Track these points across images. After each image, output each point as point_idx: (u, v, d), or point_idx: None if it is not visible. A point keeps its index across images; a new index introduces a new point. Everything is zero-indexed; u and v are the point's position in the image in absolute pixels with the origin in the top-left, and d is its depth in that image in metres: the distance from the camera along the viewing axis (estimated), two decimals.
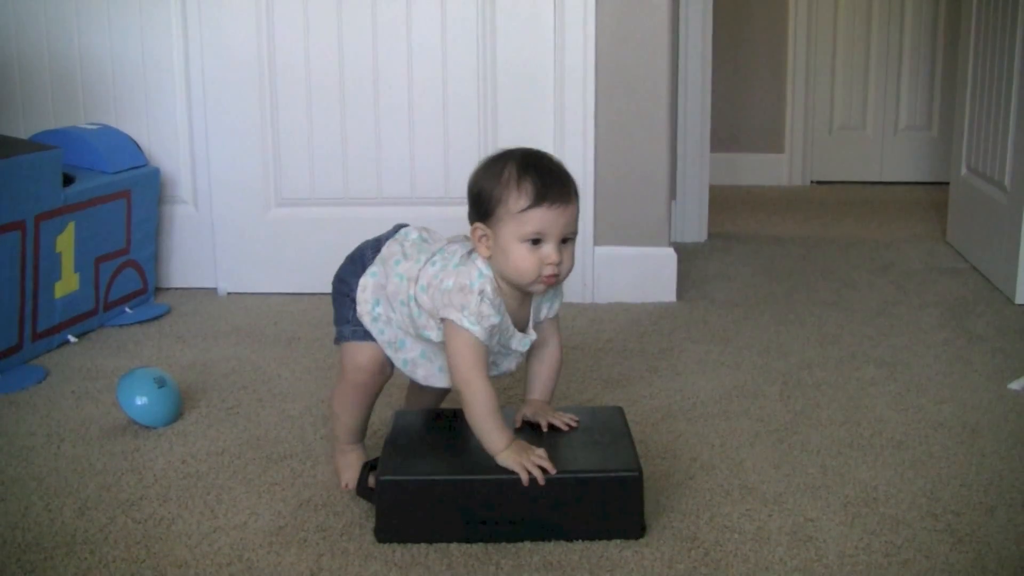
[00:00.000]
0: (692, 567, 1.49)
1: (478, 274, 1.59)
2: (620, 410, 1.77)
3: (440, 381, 1.72)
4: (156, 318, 2.77)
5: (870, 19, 5.11)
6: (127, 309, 2.78)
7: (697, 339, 2.57)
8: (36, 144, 2.50)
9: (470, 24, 2.89)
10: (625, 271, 2.90)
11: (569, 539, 1.55)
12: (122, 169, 2.77)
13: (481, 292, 1.57)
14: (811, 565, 1.49)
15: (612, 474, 1.56)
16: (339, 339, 1.73)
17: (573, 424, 1.69)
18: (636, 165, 2.87)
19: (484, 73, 2.90)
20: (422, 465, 1.60)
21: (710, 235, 3.80)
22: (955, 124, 3.56)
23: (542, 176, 1.56)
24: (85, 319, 2.61)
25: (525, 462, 1.55)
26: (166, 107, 3.03)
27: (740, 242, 3.74)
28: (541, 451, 1.57)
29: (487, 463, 1.61)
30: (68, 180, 2.55)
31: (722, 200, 4.45)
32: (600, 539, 1.55)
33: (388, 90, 2.93)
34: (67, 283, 2.53)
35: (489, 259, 1.60)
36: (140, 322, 2.73)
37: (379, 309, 1.68)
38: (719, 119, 4.31)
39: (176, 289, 3.08)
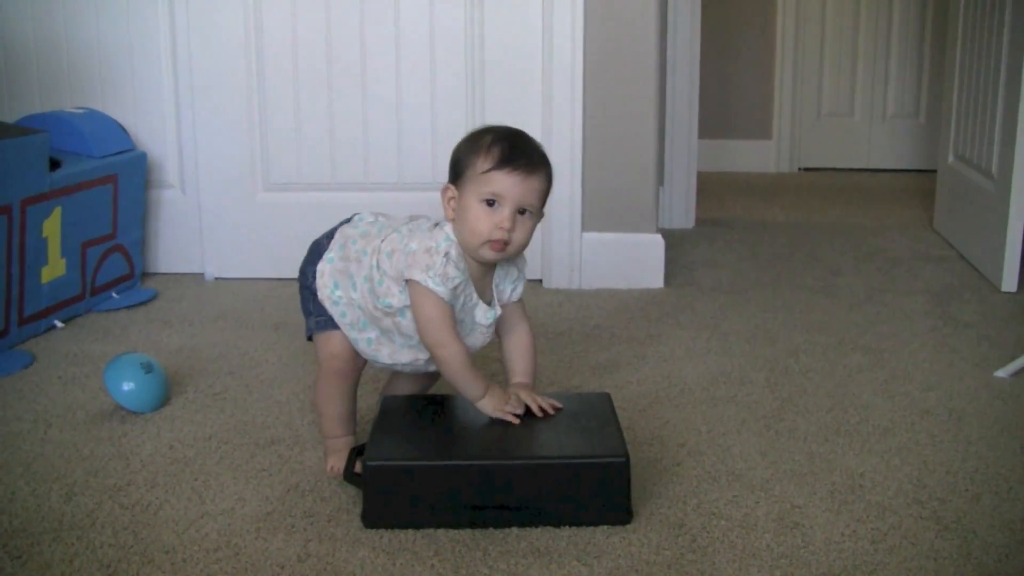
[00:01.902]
0: (679, 553, 1.49)
1: (444, 238, 1.65)
2: (607, 396, 1.77)
3: (405, 356, 1.74)
4: (143, 303, 2.76)
5: (858, 6, 5.12)
6: (114, 294, 2.78)
7: (684, 325, 2.57)
8: (22, 128, 2.49)
9: (458, 9, 2.88)
10: (612, 257, 2.90)
11: (556, 525, 1.55)
12: (109, 154, 2.76)
13: (446, 254, 1.62)
14: (797, 552, 1.50)
15: (599, 460, 1.56)
16: (308, 332, 1.78)
17: (551, 412, 1.69)
18: (624, 151, 2.87)
19: (472, 59, 2.90)
20: (409, 450, 1.60)
21: (698, 221, 3.80)
22: (942, 112, 3.57)
23: (512, 144, 1.64)
24: (72, 304, 2.60)
25: (502, 411, 1.65)
26: (153, 91, 3.02)
27: (728, 228, 3.74)
28: (518, 399, 1.68)
29: (475, 448, 1.61)
30: (54, 164, 2.54)
31: (710, 186, 4.46)
32: (587, 525, 1.56)
33: (375, 75, 2.92)
34: (53, 268, 2.52)
35: (453, 222, 1.66)
36: (127, 307, 2.72)
37: (338, 292, 1.72)
38: (707, 105, 4.31)
39: (163, 274, 3.07)
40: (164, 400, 2.06)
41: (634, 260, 2.90)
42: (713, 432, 1.92)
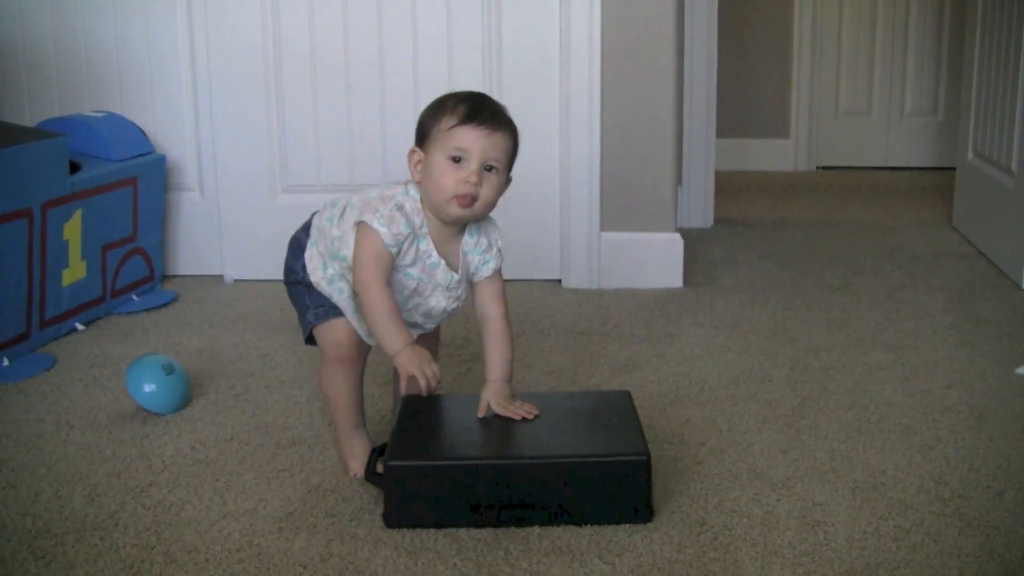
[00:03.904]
0: (701, 551, 1.49)
1: (403, 192, 1.68)
2: (628, 394, 1.77)
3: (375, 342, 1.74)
4: (163, 305, 2.77)
5: (875, 3, 5.10)
6: (134, 296, 2.79)
7: (704, 324, 2.57)
8: (42, 132, 2.50)
9: (475, 9, 2.88)
10: (631, 257, 2.89)
11: (578, 524, 1.55)
12: (128, 156, 2.77)
13: (400, 206, 1.65)
14: (820, 549, 1.50)
15: (620, 458, 1.56)
16: (307, 327, 1.77)
17: (528, 416, 1.67)
18: (642, 151, 2.86)
19: (489, 58, 2.90)
20: (430, 450, 1.60)
21: (716, 220, 3.79)
22: (961, 109, 3.55)
23: (475, 102, 1.66)
24: (92, 307, 2.61)
25: (418, 367, 1.62)
26: (172, 94, 3.03)
27: (746, 227, 3.74)
28: (434, 365, 1.64)
29: (496, 447, 1.62)
30: (74, 168, 2.56)
31: (728, 185, 4.45)
32: (609, 524, 1.56)
33: (393, 75, 2.92)
34: (74, 271, 2.53)
35: (419, 184, 1.68)
36: (147, 309, 2.73)
37: (330, 270, 1.74)
38: (725, 104, 4.30)
39: (183, 276, 3.08)
40: (185, 401, 2.06)
41: (653, 259, 2.90)
42: (734, 430, 1.92)
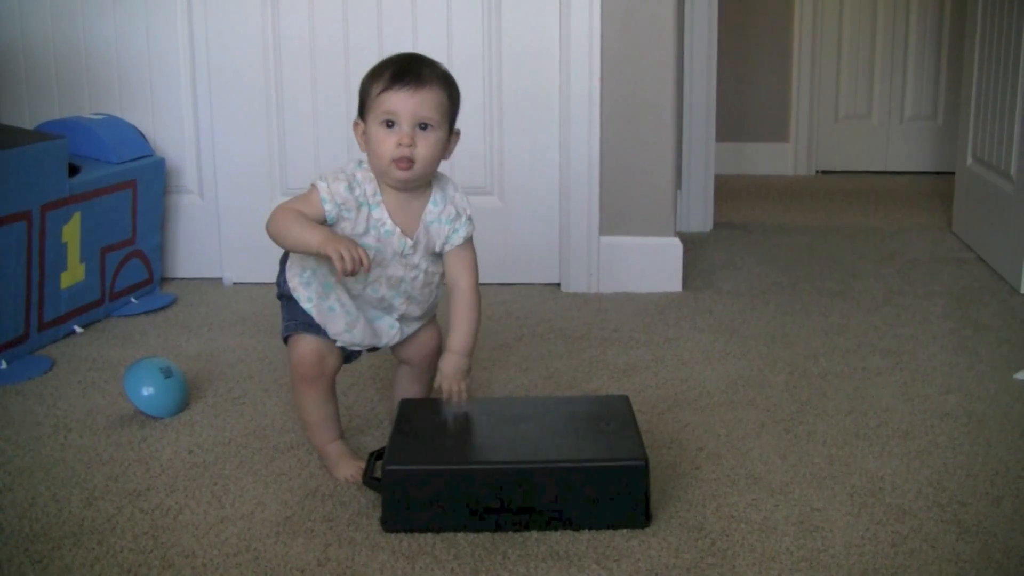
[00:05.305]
0: (698, 557, 1.49)
1: (356, 164, 1.70)
2: (626, 399, 1.77)
3: (358, 328, 1.75)
4: (162, 308, 2.77)
5: (875, 7, 5.10)
6: (133, 299, 2.79)
7: (703, 329, 2.57)
8: (41, 134, 2.50)
9: (475, 13, 2.88)
10: (631, 261, 2.89)
11: (575, 528, 1.55)
12: (127, 159, 2.77)
13: (351, 175, 1.67)
14: (817, 555, 1.49)
15: (618, 463, 1.56)
16: (283, 337, 1.78)
17: (457, 401, 1.72)
18: (641, 154, 2.86)
19: (489, 61, 2.90)
20: (429, 454, 1.60)
21: (715, 225, 3.79)
22: (961, 113, 3.55)
23: (401, 63, 1.68)
24: (91, 309, 2.61)
25: (341, 248, 1.57)
26: (171, 97, 3.03)
27: (745, 232, 3.74)
28: (359, 250, 1.59)
29: (494, 452, 1.62)
30: (74, 170, 2.56)
31: (727, 189, 4.45)
32: (606, 528, 1.56)
33: None
34: (73, 273, 2.53)
35: (368, 156, 1.70)
36: (146, 312, 2.73)
37: (306, 274, 1.73)
38: (724, 108, 4.30)
39: (182, 279, 3.08)
40: (183, 405, 2.06)
41: (652, 264, 2.90)
42: (732, 435, 1.92)
